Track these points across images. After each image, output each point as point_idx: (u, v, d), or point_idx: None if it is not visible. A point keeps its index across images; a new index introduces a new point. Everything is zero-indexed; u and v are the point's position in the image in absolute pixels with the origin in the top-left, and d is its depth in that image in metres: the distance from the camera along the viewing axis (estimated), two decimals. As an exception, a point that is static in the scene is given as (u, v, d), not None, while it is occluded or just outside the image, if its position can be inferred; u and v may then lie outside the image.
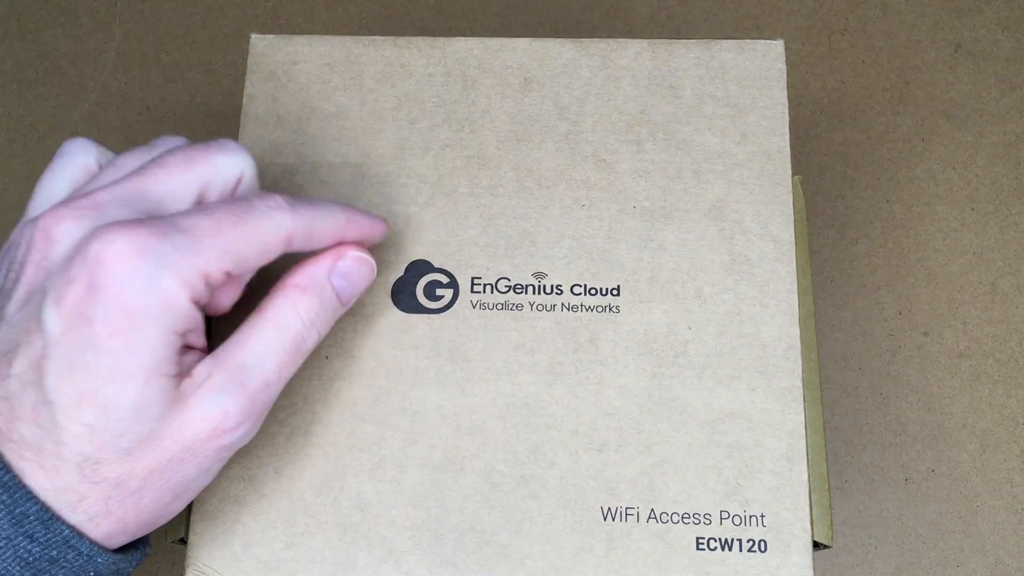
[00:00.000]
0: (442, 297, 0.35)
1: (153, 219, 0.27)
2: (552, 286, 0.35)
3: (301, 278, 0.30)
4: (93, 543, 0.27)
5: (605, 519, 0.32)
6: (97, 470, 0.27)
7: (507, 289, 0.35)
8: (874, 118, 0.52)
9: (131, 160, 0.30)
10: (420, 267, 0.35)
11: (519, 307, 0.35)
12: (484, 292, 0.35)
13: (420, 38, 0.38)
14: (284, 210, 0.29)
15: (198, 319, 0.28)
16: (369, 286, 0.32)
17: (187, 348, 0.29)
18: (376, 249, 0.35)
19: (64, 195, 0.30)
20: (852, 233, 0.50)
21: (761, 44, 0.38)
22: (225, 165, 0.30)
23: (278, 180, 0.36)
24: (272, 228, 0.29)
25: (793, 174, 0.37)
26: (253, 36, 0.38)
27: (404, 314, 0.35)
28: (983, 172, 0.51)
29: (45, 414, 0.26)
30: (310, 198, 0.31)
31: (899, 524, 0.45)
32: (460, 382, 0.34)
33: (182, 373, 0.28)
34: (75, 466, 0.26)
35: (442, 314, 0.35)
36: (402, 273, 0.35)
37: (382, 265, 0.35)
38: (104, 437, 0.26)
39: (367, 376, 0.34)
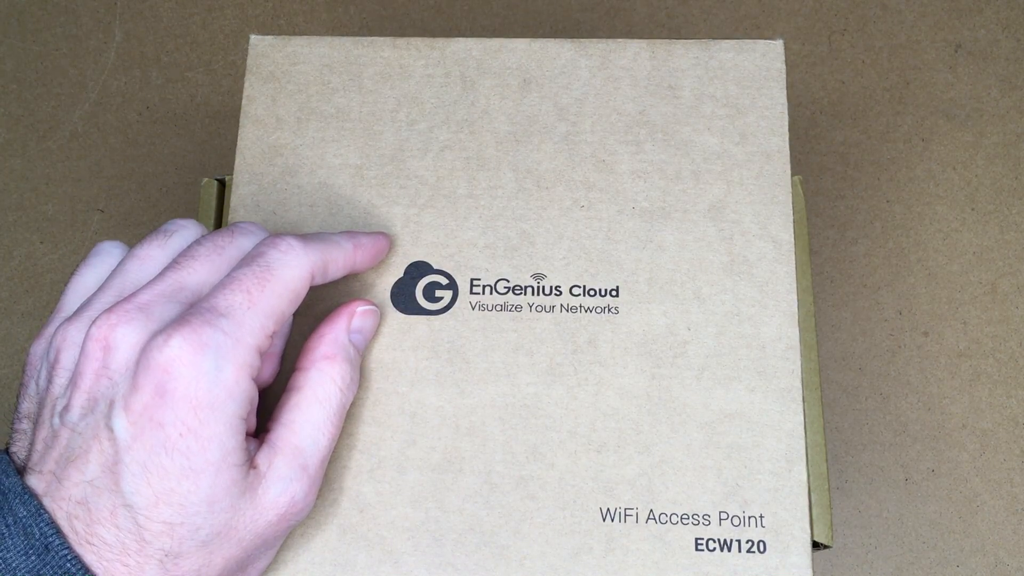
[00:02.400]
0: (441, 298, 0.35)
1: (196, 311, 0.28)
2: (551, 287, 0.35)
3: (327, 347, 0.31)
4: None
5: (604, 520, 0.32)
6: (178, 563, 0.28)
7: (506, 290, 0.35)
8: (874, 118, 0.52)
9: (155, 251, 0.31)
10: (419, 268, 0.35)
11: (518, 308, 0.35)
12: (483, 293, 0.35)
13: (419, 39, 0.38)
14: (299, 252, 0.30)
15: (255, 396, 0.30)
16: (378, 321, 0.34)
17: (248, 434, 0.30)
18: (375, 250, 0.35)
19: (93, 288, 0.32)
20: (852, 233, 0.50)
21: (761, 44, 0.37)
22: (249, 247, 0.31)
23: (277, 180, 0.36)
24: (295, 275, 0.30)
25: (793, 174, 0.37)
26: (253, 37, 0.38)
27: (403, 315, 0.35)
28: (983, 172, 0.51)
29: (124, 516, 0.27)
30: (314, 234, 0.32)
31: (899, 524, 0.45)
32: (459, 383, 0.34)
33: (248, 461, 0.29)
34: (158, 562, 0.27)
35: (441, 315, 0.35)
36: (401, 275, 0.35)
37: (381, 267, 0.35)
38: (183, 532, 0.28)
39: (366, 377, 0.34)
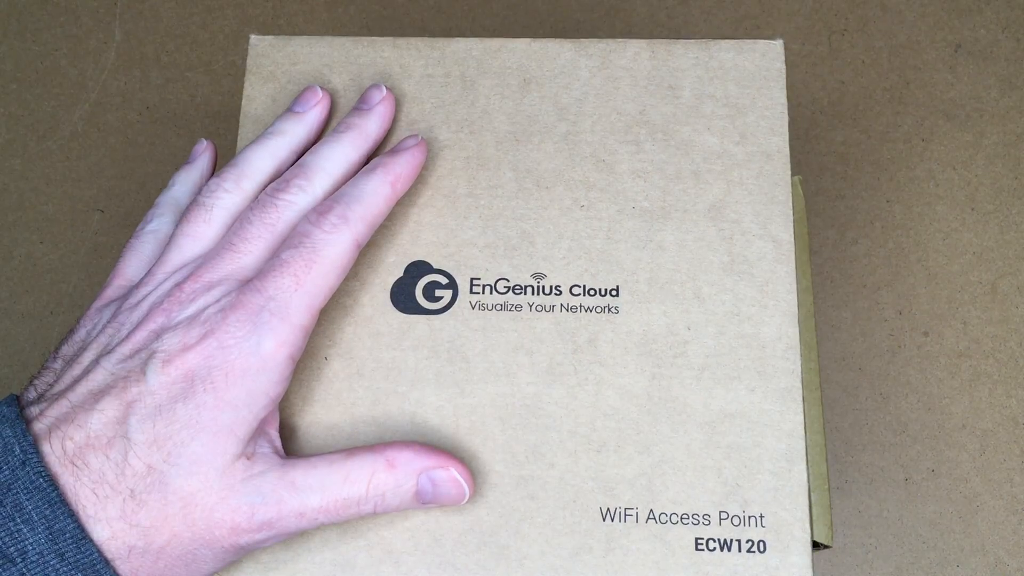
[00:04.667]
0: (441, 298, 0.35)
1: (249, 292, 0.30)
2: (551, 287, 0.35)
3: (398, 455, 0.31)
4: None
5: (604, 519, 0.32)
6: (137, 511, 0.28)
7: (506, 290, 0.35)
8: (874, 118, 0.52)
9: (202, 228, 0.33)
10: (419, 268, 0.35)
11: (518, 308, 0.35)
12: (483, 293, 0.35)
13: (419, 39, 0.38)
14: (343, 230, 0.31)
15: (288, 378, 0.31)
16: (454, 503, 0.32)
17: (262, 434, 0.31)
18: (375, 250, 0.35)
19: (151, 259, 0.34)
20: (852, 233, 0.50)
21: (761, 44, 0.37)
22: (294, 219, 0.33)
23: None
24: (341, 251, 0.31)
25: (793, 174, 0.37)
26: (253, 37, 0.38)
27: (403, 315, 0.35)
28: (983, 172, 0.51)
29: (118, 448, 0.29)
30: (352, 184, 0.33)
31: (899, 524, 0.45)
32: (459, 383, 0.34)
33: (251, 447, 0.30)
34: (122, 500, 0.28)
35: (441, 315, 0.35)
36: (401, 274, 0.35)
37: (381, 267, 0.35)
38: (155, 479, 0.29)
39: (367, 377, 0.34)
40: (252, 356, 0.30)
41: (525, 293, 0.35)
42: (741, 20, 0.54)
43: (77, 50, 0.55)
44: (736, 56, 0.37)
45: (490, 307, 0.35)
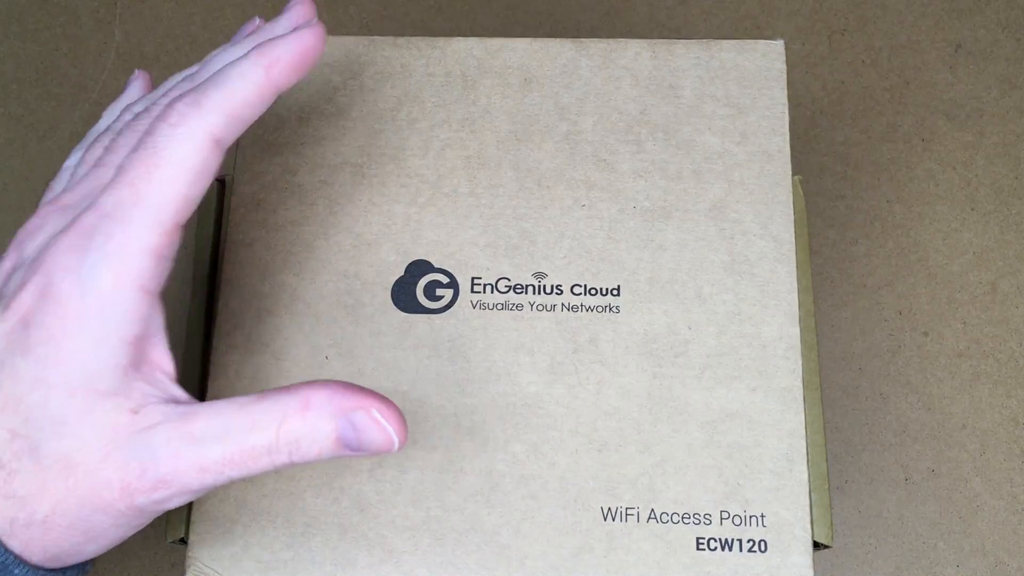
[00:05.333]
0: (442, 297, 0.35)
1: (86, 211, 0.26)
2: (552, 286, 0.35)
3: (313, 395, 0.26)
4: (8, 551, 0.25)
5: (605, 519, 0.32)
6: (9, 481, 0.25)
7: (507, 289, 0.35)
8: (874, 118, 0.52)
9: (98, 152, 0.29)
10: (420, 267, 0.35)
11: (519, 307, 0.35)
12: (484, 292, 0.35)
13: (420, 38, 0.38)
14: (191, 120, 0.26)
15: (152, 316, 0.26)
16: (384, 451, 0.27)
17: (153, 372, 0.27)
18: (376, 249, 0.35)
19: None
20: (852, 233, 0.50)
21: (761, 44, 0.38)
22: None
23: (278, 179, 0.36)
24: (190, 149, 0.26)
25: (793, 174, 0.37)
26: (253, 36, 0.38)
27: (404, 314, 0.35)
28: (983, 172, 0.51)
29: None
30: (220, 70, 0.27)
31: (899, 524, 0.45)
32: (460, 382, 0.34)
33: (134, 399, 0.26)
34: None
35: (442, 314, 0.35)
36: (402, 273, 0.35)
37: (382, 266, 0.35)
38: (22, 445, 0.25)
39: (367, 376, 0.34)
40: (87, 293, 0.25)
41: (526, 292, 0.35)
42: (741, 20, 0.54)
43: (77, 50, 0.55)
44: (737, 56, 0.37)
45: (491, 306, 0.35)
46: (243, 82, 0.27)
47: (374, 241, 0.35)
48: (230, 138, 0.27)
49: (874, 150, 0.51)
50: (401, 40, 0.38)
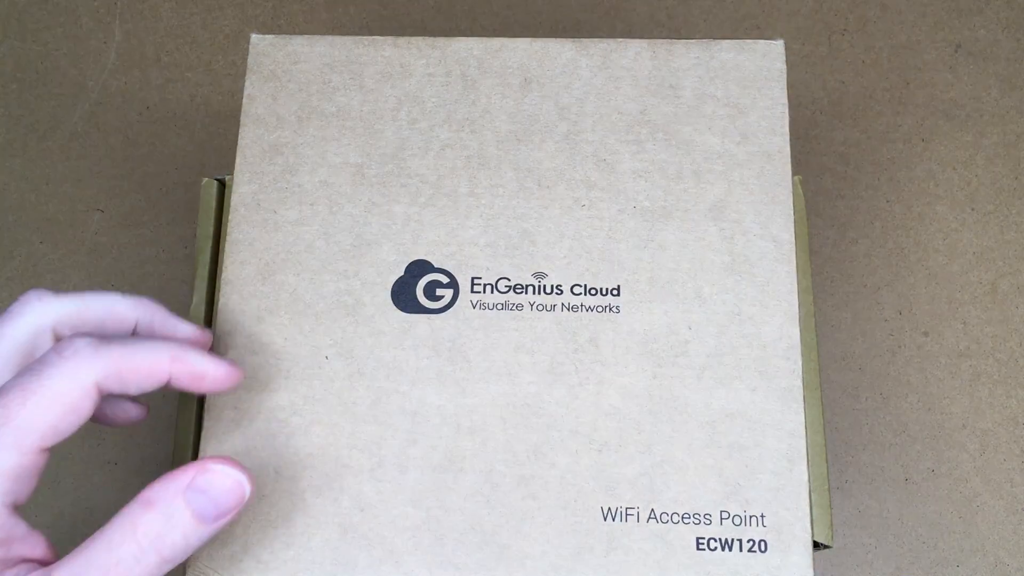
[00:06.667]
0: (442, 297, 0.35)
1: None
2: (552, 286, 0.35)
3: (152, 492, 0.27)
4: None
5: (605, 519, 0.32)
6: None
7: (507, 289, 0.35)
8: (874, 118, 0.52)
9: None
10: (420, 267, 0.35)
11: (519, 307, 0.35)
12: (484, 292, 0.35)
13: (420, 38, 0.38)
14: (82, 357, 0.28)
15: (16, 526, 0.27)
16: (241, 504, 0.28)
17: (17, 563, 0.28)
18: (376, 249, 0.35)
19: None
20: (852, 233, 0.50)
21: (761, 44, 0.38)
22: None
23: (278, 179, 0.36)
24: (70, 386, 0.27)
25: (793, 174, 0.37)
26: (253, 36, 0.38)
27: (404, 314, 0.35)
28: (983, 172, 0.51)
29: None
30: (133, 339, 0.29)
31: (899, 524, 0.45)
32: (460, 382, 0.34)
33: None
34: None
35: (442, 314, 0.35)
36: (402, 273, 0.35)
37: (382, 266, 0.35)
38: None
39: (367, 376, 0.34)
40: None
41: (526, 292, 0.35)
42: (741, 20, 0.54)
43: (77, 50, 0.55)
44: (737, 56, 0.37)
45: (491, 306, 0.35)
46: (147, 352, 0.29)
47: (374, 241, 0.35)
48: (110, 390, 0.28)
49: (874, 150, 0.51)
50: (402, 40, 0.38)
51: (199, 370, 0.30)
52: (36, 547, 0.28)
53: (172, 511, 0.27)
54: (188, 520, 0.27)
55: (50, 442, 0.27)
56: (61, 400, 0.27)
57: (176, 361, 0.29)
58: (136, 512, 0.27)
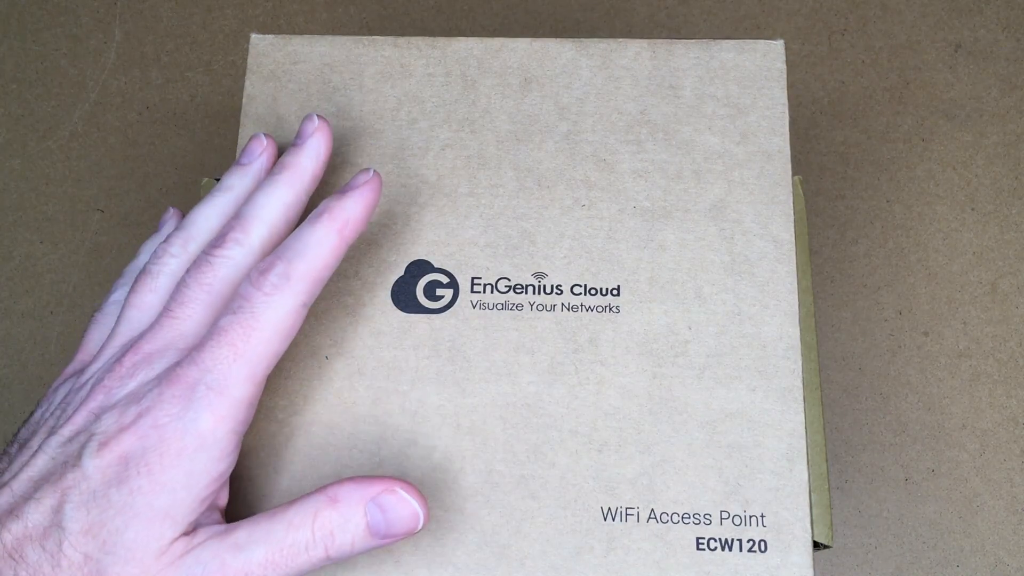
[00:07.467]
0: (442, 297, 0.35)
1: (185, 364, 0.29)
2: (552, 286, 0.35)
3: (340, 490, 0.29)
4: None
5: (605, 519, 0.32)
6: None
7: (507, 289, 0.35)
8: (874, 118, 0.52)
9: (149, 297, 0.32)
10: (420, 267, 0.35)
11: (519, 307, 0.35)
12: (484, 292, 0.35)
13: (420, 38, 0.38)
14: (284, 289, 0.29)
15: (235, 458, 0.29)
16: (411, 534, 0.30)
17: (212, 507, 0.30)
18: (376, 249, 0.35)
19: (109, 330, 0.33)
20: (852, 233, 0.50)
21: (761, 44, 0.38)
22: (235, 277, 0.31)
23: (278, 180, 0.36)
24: (283, 315, 0.30)
25: (793, 174, 0.37)
26: (253, 36, 0.38)
27: (404, 314, 0.35)
28: (983, 172, 0.51)
29: (54, 539, 0.27)
30: (296, 237, 0.31)
31: (899, 524, 0.45)
32: (460, 382, 0.34)
33: (188, 530, 0.28)
34: None
35: (442, 314, 0.35)
36: (402, 273, 0.35)
37: (382, 266, 0.35)
38: (92, 568, 0.27)
39: (367, 376, 0.34)
40: (188, 435, 0.28)
41: (526, 292, 0.35)
42: (741, 20, 0.54)
43: (77, 50, 0.55)
44: (737, 56, 0.37)
45: (491, 306, 0.35)
46: (322, 248, 0.30)
47: (374, 241, 0.35)
48: (313, 298, 0.30)
49: (874, 150, 0.51)
50: (402, 40, 0.38)
51: (361, 212, 0.31)
52: (224, 494, 0.31)
53: (351, 515, 0.29)
54: (362, 530, 0.29)
55: (272, 367, 0.30)
56: (279, 329, 0.29)
57: (344, 230, 0.31)
58: (320, 503, 0.29)
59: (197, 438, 0.28)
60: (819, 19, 0.54)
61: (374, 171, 0.32)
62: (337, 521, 0.29)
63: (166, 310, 0.31)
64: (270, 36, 0.38)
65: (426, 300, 0.35)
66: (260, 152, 0.34)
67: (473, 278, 0.35)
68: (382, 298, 0.35)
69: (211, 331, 0.29)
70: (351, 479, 0.29)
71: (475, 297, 0.35)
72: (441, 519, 0.32)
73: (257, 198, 0.32)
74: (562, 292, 0.35)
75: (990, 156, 0.51)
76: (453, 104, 0.37)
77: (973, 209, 0.50)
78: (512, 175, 0.36)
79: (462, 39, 0.38)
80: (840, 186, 0.51)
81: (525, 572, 0.32)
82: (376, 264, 0.35)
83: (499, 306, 0.35)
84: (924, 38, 0.54)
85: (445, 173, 0.36)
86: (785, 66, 0.37)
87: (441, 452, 0.33)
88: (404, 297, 0.35)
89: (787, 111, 0.37)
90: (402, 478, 0.30)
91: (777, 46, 0.37)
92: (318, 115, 0.33)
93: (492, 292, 0.35)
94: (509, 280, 0.35)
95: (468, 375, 0.34)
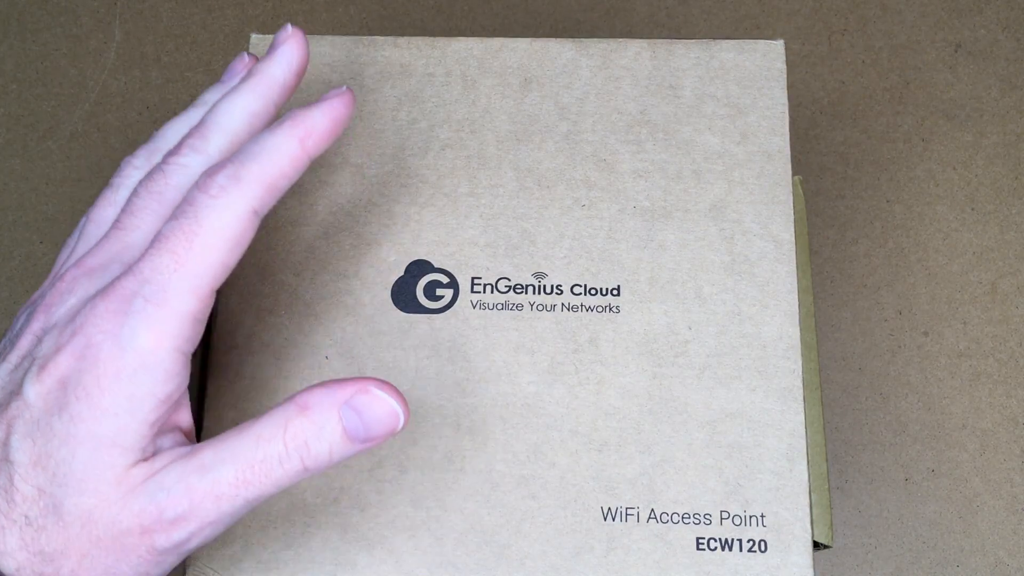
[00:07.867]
0: (442, 297, 0.35)
1: (124, 276, 0.27)
2: (552, 286, 0.35)
3: (310, 397, 0.27)
4: None
5: (605, 519, 0.32)
6: (36, 539, 0.26)
7: (507, 289, 0.35)
8: (874, 118, 0.52)
9: (107, 211, 0.30)
10: (420, 267, 0.35)
11: (519, 307, 0.35)
12: (484, 292, 0.35)
13: (420, 38, 0.38)
14: (231, 192, 0.26)
15: (184, 376, 0.27)
16: (391, 434, 0.27)
17: (172, 430, 0.28)
18: (376, 249, 0.35)
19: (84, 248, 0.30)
20: (852, 233, 0.50)
21: (761, 44, 0.38)
22: (187, 184, 0.29)
23: (278, 180, 0.36)
24: (230, 220, 0.26)
25: (793, 174, 0.37)
26: (253, 36, 0.38)
27: (404, 314, 0.35)
28: (983, 172, 0.51)
29: (5, 473, 0.26)
30: (260, 139, 0.28)
31: (899, 524, 0.45)
32: (460, 382, 0.34)
33: (150, 451, 0.27)
34: (19, 529, 0.26)
35: (442, 314, 0.35)
36: (402, 273, 0.35)
37: (382, 265, 0.35)
38: (47, 503, 0.26)
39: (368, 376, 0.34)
40: (126, 353, 0.26)
41: (526, 292, 0.35)
42: (741, 20, 0.54)
43: (77, 50, 0.55)
44: (737, 56, 0.37)
45: (491, 306, 0.35)
46: (279, 154, 0.27)
47: (374, 241, 0.35)
48: (267, 208, 0.27)
49: (874, 150, 0.51)
50: (401, 40, 0.38)
51: (328, 125, 0.28)
52: (185, 416, 0.28)
53: (325, 422, 0.26)
54: (339, 435, 0.27)
55: (220, 280, 0.27)
56: (225, 236, 0.26)
57: (307, 139, 0.28)
58: (290, 413, 0.27)
59: (136, 357, 0.26)
60: (819, 19, 0.54)
61: (347, 87, 0.29)
62: (311, 430, 0.26)
63: (116, 222, 0.29)
64: (270, 36, 0.38)
65: (426, 300, 0.35)
66: (242, 70, 0.32)
67: (473, 278, 0.35)
68: (382, 298, 0.35)
69: (153, 239, 0.27)
70: (320, 384, 0.27)
71: (475, 297, 0.35)
72: (442, 518, 0.32)
73: (221, 105, 0.29)
74: (562, 292, 0.35)
75: (990, 156, 0.51)
76: (453, 104, 0.37)
77: (973, 209, 0.50)
78: (512, 175, 0.36)
79: (462, 39, 0.38)
80: (840, 186, 0.51)
81: (525, 572, 0.32)
82: (376, 264, 0.35)
83: (499, 306, 0.35)
84: (924, 38, 0.54)
85: (445, 173, 0.36)
86: (785, 66, 0.37)
87: (441, 452, 0.33)
88: (404, 297, 0.35)
89: (787, 111, 0.37)
90: (375, 377, 0.27)
91: (777, 46, 0.37)
92: (292, 24, 0.31)
93: (492, 292, 0.35)
94: (509, 280, 0.35)
95: (468, 375, 0.34)
